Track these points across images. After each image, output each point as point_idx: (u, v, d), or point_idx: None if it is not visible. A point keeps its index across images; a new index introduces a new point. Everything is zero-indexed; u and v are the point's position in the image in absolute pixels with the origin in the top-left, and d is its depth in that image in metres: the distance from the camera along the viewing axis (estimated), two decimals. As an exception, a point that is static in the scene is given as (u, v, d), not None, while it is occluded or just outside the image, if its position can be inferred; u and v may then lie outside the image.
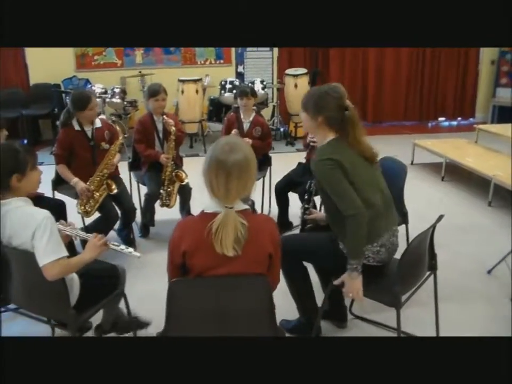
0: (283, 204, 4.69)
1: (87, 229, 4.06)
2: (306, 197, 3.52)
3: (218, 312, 2.17)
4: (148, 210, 4.61)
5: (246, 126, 4.95)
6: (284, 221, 4.70)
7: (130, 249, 2.78)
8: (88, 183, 4.13)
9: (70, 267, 2.57)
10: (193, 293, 2.19)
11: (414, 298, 2.86)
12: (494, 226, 4.96)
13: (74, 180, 4.12)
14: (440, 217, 2.81)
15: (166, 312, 2.20)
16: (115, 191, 4.17)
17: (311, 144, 4.28)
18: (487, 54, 9.61)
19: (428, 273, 2.97)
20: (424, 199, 5.60)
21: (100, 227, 3.96)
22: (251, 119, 4.95)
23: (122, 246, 2.80)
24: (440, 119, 9.84)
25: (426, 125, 9.65)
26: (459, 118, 9.86)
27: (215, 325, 2.19)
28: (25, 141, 8.20)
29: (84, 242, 2.97)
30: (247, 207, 2.19)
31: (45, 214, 2.50)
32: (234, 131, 4.76)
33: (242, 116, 4.96)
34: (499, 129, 6.94)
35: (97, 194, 4.15)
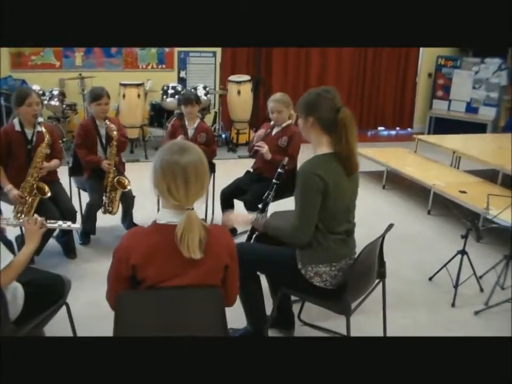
0: (230, 208, 4.60)
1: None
2: (261, 206, 3.46)
3: (169, 326, 2.08)
4: (89, 219, 4.47)
5: (190, 132, 4.89)
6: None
7: (69, 223, 2.75)
8: (20, 189, 3.97)
9: (18, 267, 2.46)
10: (144, 306, 2.10)
11: (361, 307, 2.89)
12: (434, 234, 5.07)
13: (8, 187, 3.96)
14: (390, 226, 2.85)
15: (114, 325, 2.09)
16: (48, 194, 3.98)
17: (256, 148, 4.29)
18: (425, 67, 9.88)
19: (376, 281, 2.99)
20: (366, 207, 5.65)
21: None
22: (195, 125, 4.90)
23: (60, 222, 2.77)
24: (380, 128, 10.04)
25: (366, 134, 9.82)
26: (397, 128, 10.09)
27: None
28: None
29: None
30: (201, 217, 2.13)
31: None
32: (180, 137, 4.68)
33: (186, 123, 4.90)
34: (436, 139, 7.15)
35: (30, 199, 3.99)
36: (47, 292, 2.72)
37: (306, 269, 2.74)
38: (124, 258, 2.04)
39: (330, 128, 2.67)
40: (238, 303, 3.02)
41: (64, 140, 7.20)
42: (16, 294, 2.56)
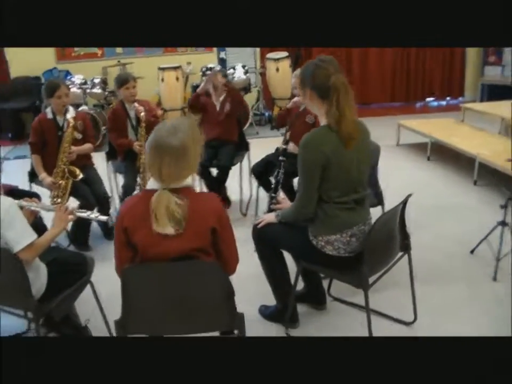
0: (264, 181, 4.54)
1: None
2: (273, 186, 3.43)
3: (173, 298, 2.13)
4: None
5: (218, 106, 4.94)
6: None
7: (97, 214, 2.88)
8: (53, 174, 4.10)
9: (41, 246, 2.61)
10: (147, 280, 2.14)
11: (392, 279, 2.79)
12: (479, 205, 4.86)
13: (42, 176, 4.16)
14: (409, 195, 2.73)
15: (122, 300, 2.16)
16: (80, 176, 4.09)
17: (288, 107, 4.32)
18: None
19: (400, 253, 2.89)
20: (410, 180, 5.50)
21: None
22: (221, 98, 4.95)
23: (88, 212, 2.89)
24: (429, 99, 9.72)
25: (414, 106, 9.54)
26: (448, 98, 9.75)
27: (172, 311, 2.16)
28: (10, 135, 8.15)
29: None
30: (188, 184, 2.15)
31: (9, 202, 2.53)
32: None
33: (213, 98, 4.95)
34: (485, 107, 6.87)
35: (63, 183, 4.09)
36: (70, 271, 2.81)
37: (317, 239, 2.69)
38: (119, 223, 2.15)
39: (325, 96, 2.59)
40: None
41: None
42: (39, 272, 2.65)
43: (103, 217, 2.83)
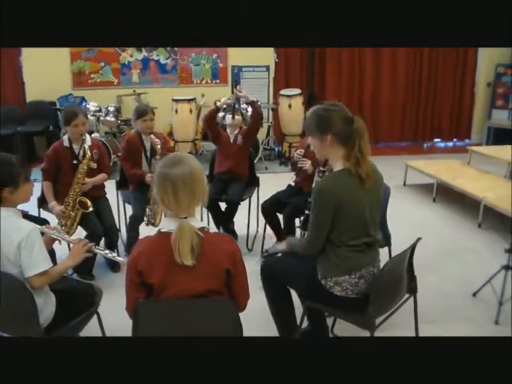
0: (272, 216, 4.58)
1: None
2: (301, 223, 3.42)
3: (184, 335, 2.13)
4: (132, 232, 4.54)
5: (232, 139, 5.03)
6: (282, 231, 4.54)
7: (114, 254, 2.89)
8: (64, 204, 4.12)
9: (53, 276, 2.65)
10: (158, 316, 2.17)
11: (396, 320, 2.82)
12: (483, 248, 4.91)
13: (51, 204, 4.17)
14: (418, 239, 2.78)
15: (132, 333, 2.18)
16: (90, 209, 4.11)
17: (299, 166, 4.26)
18: (483, 76, 9.63)
19: (407, 295, 2.94)
20: (415, 221, 5.56)
21: None
22: (236, 132, 5.05)
23: (107, 251, 2.91)
24: (436, 140, 9.83)
25: (422, 146, 9.64)
26: (455, 139, 9.85)
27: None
28: (21, 158, 8.21)
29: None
30: (203, 225, 2.22)
31: (32, 226, 2.58)
32: None
33: (228, 132, 5.06)
34: (491, 151, 6.95)
35: (72, 213, 4.12)
36: (78, 300, 2.84)
37: (326, 280, 2.73)
38: (133, 265, 2.17)
39: (346, 140, 2.64)
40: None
41: (118, 154, 7.41)
42: (48, 300, 2.68)
43: (120, 259, 2.88)
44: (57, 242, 3.00)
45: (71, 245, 2.97)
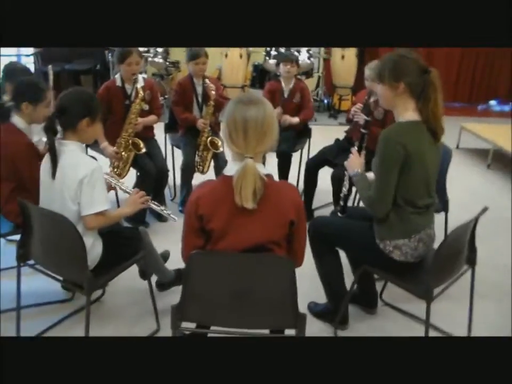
0: (310, 185, 4.46)
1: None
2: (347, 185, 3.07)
3: (238, 290, 2.07)
4: (186, 184, 4.48)
5: (286, 93, 4.79)
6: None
7: (169, 211, 2.88)
8: (116, 144, 4.06)
9: (109, 219, 2.66)
10: (212, 268, 2.09)
11: (447, 292, 2.71)
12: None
13: (103, 145, 4.08)
14: (484, 209, 2.63)
15: (183, 285, 2.13)
16: (143, 150, 4.06)
17: (355, 120, 4.09)
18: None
19: (465, 267, 2.81)
20: (467, 187, 5.36)
21: (140, 185, 3.96)
22: (291, 86, 4.79)
23: (162, 207, 2.90)
24: (491, 102, 9.43)
25: (475, 108, 9.27)
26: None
27: (233, 303, 2.10)
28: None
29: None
30: (268, 172, 2.09)
31: (97, 164, 2.57)
32: (278, 109, 4.58)
33: (283, 84, 4.80)
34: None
35: (125, 154, 4.08)
36: (124, 244, 2.82)
37: (385, 243, 2.61)
38: (193, 209, 2.07)
39: (419, 92, 2.49)
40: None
41: (165, 96, 7.33)
42: (96, 242, 2.66)
43: (174, 217, 2.84)
44: None
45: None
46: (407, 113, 2.54)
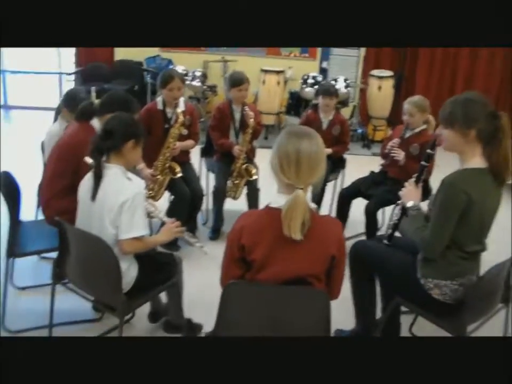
0: (343, 216, 4.42)
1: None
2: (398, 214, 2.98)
3: (272, 321, 2.08)
4: (217, 209, 4.50)
5: (324, 125, 4.78)
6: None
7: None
8: (153, 167, 4.10)
9: (145, 245, 2.68)
10: (249, 298, 2.11)
11: (481, 329, 2.67)
12: None
13: (140, 166, 4.07)
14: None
15: (218, 313, 2.13)
16: (179, 174, 4.09)
17: (392, 155, 4.07)
18: None
19: (500, 305, 2.77)
20: (504, 223, 5.22)
21: (174, 209, 4.02)
22: (330, 117, 4.78)
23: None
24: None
25: None
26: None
27: (266, 334, 2.09)
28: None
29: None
30: (314, 205, 2.11)
31: (139, 190, 2.59)
32: None
33: (321, 115, 4.80)
34: None
35: (161, 178, 4.11)
36: (159, 269, 2.84)
37: (426, 279, 2.59)
38: (236, 237, 2.08)
39: (489, 138, 2.44)
40: (346, 305, 2.97)
41: (201, 120, 7.41)
42: (131, 266, 2.68)
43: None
44: None
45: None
46: (474, 159, 2.49)
